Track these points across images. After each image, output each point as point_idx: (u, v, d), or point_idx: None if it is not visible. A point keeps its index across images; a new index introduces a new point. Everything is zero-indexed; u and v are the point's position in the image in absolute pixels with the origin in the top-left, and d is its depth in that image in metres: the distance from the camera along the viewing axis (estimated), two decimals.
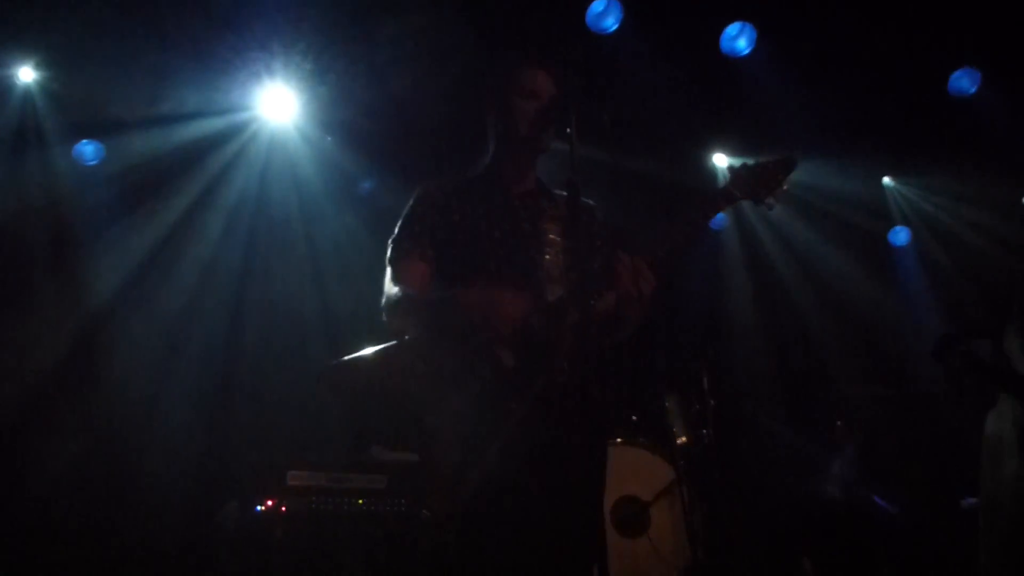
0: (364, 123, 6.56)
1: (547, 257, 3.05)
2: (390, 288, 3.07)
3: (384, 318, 3.08)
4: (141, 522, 5.70)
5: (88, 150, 6.38)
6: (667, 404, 5.64)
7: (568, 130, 2.79)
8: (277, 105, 6.54)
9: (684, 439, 5.64)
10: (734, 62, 6.36)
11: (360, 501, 4.86)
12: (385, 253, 3.17)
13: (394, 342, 3.04)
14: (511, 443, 2.74)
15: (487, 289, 2.84)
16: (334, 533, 4.72)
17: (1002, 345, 3.04)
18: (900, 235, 7.94)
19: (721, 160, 7.47)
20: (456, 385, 2.86)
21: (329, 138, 6.62)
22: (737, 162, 3.14)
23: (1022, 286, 2.99)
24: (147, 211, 6.48)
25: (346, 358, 3.04)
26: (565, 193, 2.89)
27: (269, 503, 4.72)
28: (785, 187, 3.10)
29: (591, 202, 3.28)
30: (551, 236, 3.09)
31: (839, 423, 6.06)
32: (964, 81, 6.60)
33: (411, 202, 3.20)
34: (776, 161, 3.11)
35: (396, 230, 3.18)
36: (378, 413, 4.83)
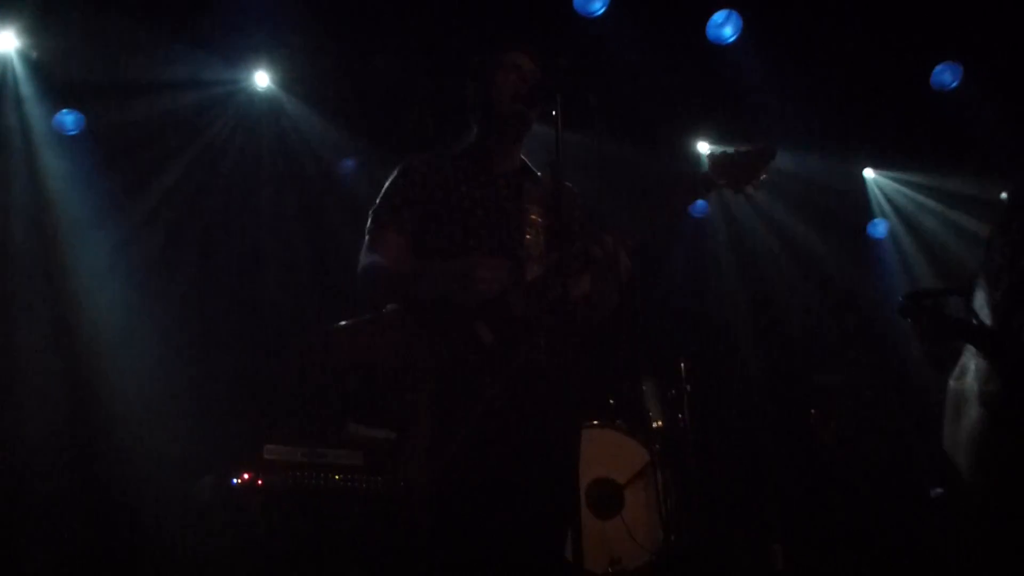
0: (349, 98, 6.53)
1: (528, 237, 3.06)
2: (365, 258, 3.08)
3: (359, 287, 3.08)
4: (116, 494, 5.69)
5: (69, 120, 6.31)
6: (644, 388, 5.67)
7: (553, 112, 2.80)
8: (261, 78, 6.50)
9: (660, 423, 5.68)
10: (720, 49, 6.37)
11: (337, 476, 4.87)
12: (366, 224, 3.18)
13: (373, 315, 3.05)
14: (486, 420, 2.76)
15: (464, 259, 2.87)
16: (310, 508, 4.74)
17: (972, 303, 3.06)
18: (879, 227, 7.99)
19: (704, 147, 7.50)
20: (433, 360, 2.86)
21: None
22: (717, 150, 3.16)
23: (988, 245, 2.97)
24: (125, 184, 6.43)
25: (331, 327, 3.04)
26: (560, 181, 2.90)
27: (245, 477, 4.73)
28: (764, 176, 3.11)
29: (572, 186, 3.30)
30: (532, 216, 3.10)
31: (813, 411, 6.11)
32: (946, 75, 6.64)
33: (394, 174, 3.20)
34: (756, 150, 3.12)
35: (377, 201, 3.17)
36: (358, 384, 4.85)
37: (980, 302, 2.96)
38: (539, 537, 2.85)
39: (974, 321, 2.48)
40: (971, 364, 3.07)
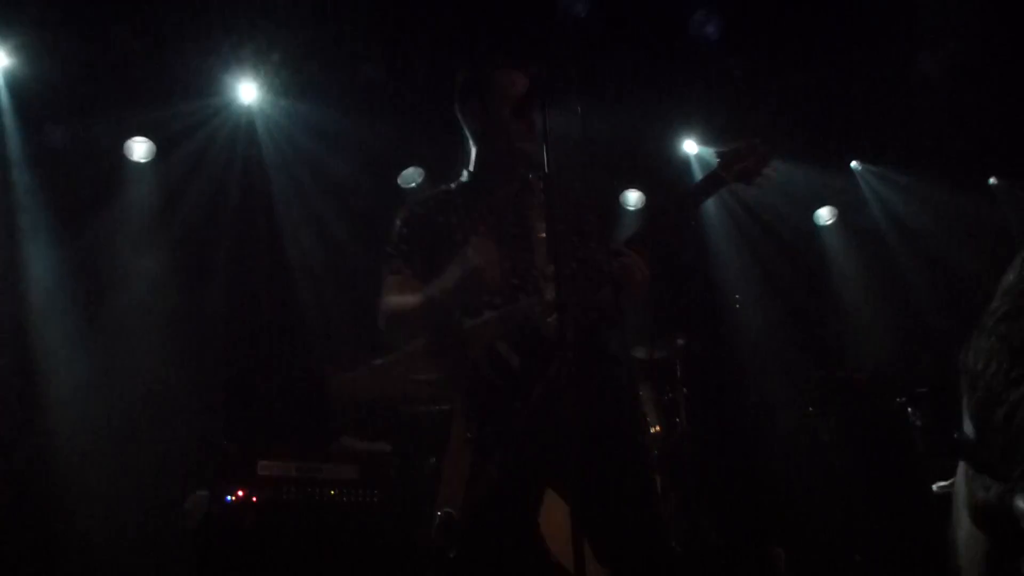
0: (334, 111, 6.49)
1: (539, 257, 3.03)
2: (383, 306, 3.09)
3: (383, 332, 3.11)
4: (109, 512, 5.63)
5: None
6: (640, 393, 5.63)
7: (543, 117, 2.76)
8: (246, 92, 6.45)
9: (657, 428, 5.64)
10: (704, 47, 6.36)
11: (332, 491, 4.83)
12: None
13: (398, 353, 3.07)
14: (521, 443, 2.76)
15: (456, 265, 2.87)
16: (305, 524, 4.69)
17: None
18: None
19: (691, 147, 7.48)
20: (462, 388, 2.89)
21: None
22: (725, 148, 3.19)
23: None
24: (108, 199, 6.39)
25: (354, 372, 3.07)
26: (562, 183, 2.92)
27: (239, 493, 4.68)
28: (770, 169, 3.16)
29: (581, 187, 3.26)
30: (541, 235, 3.05)
31: (810, 408, 6.07)
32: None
33: (397, 222, 3.20)
34: (752, 143, 3.15)
35: (386, 248, 3.19)
36: (386, 419, 4.86)
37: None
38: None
39: (960, 438, 2.30)
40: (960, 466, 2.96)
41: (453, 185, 3.26)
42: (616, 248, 2.91)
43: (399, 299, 3.03)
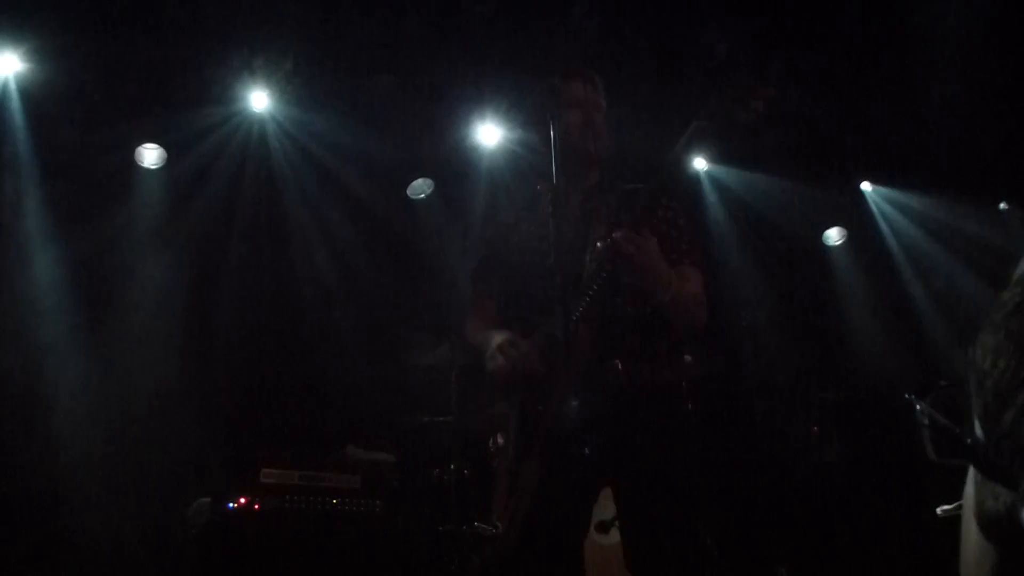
0: (345, 120, 6.50)
1: (589, 263, 3.01)
2: (466, 326, 3.34)
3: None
4: (111, 518, 5.63)
5: None
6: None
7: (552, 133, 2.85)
8: (258, 102, 6.43)
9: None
10: (713, 65, 6.35)
11: (334, 500, 4.83)
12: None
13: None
14: (550, 449, 2.78)
15: (493, 339, 3.01)
16: (307, 532, 4.69)
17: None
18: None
19: (701, 164, 7.47)
20: (512, 404, 3.00)
21: None
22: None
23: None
24: (119, 205, 6.40)
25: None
26: (628, 187, 3.07)
27: (242, 500, 4.69)
28: (770, 90, 2.85)
29: (644, 186, 3.18)
30: (599, 244, 3.00)
31: (815, 428, 6.06)
32: None
33: (480, 242, 3.44)
34: (749, 87, 2.89)
35: (473, 267, 3.41)
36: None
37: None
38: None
39: (969, 441, 2.22)
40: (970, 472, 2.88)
41: (530, 198, 3.33)
42: (621, 232, 2.82)
43: (472, 328, 3.27)
